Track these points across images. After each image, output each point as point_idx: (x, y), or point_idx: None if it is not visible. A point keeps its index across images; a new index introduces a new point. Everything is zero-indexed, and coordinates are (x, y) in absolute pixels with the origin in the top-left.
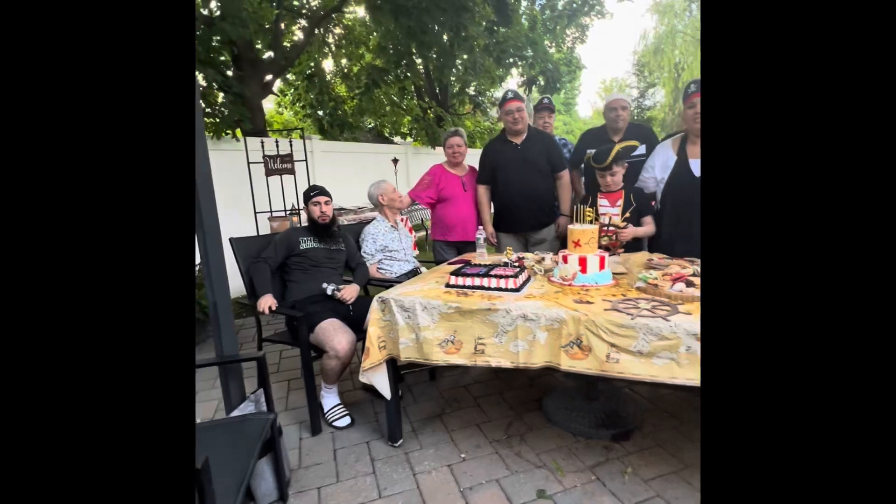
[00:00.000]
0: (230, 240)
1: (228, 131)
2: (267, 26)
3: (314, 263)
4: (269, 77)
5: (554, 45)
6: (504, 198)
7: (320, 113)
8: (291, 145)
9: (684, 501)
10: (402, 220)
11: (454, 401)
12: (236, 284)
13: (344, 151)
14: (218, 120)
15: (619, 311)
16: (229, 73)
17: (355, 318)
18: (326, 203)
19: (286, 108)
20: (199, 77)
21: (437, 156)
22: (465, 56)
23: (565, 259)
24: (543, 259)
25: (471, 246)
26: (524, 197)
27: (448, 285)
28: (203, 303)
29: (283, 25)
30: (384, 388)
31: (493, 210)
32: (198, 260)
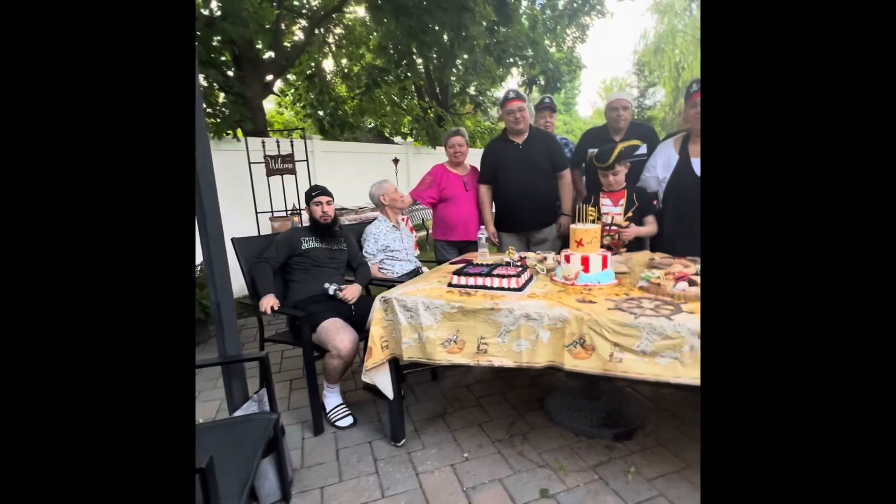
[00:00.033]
0: (232, 240)
1: (229, 131)
2: (267, 26)
3: (316, 263)
4: (269, 77)
5: (554, 44)
6: (505, 197)
7: (321, 113)
8: (292, 145)
9: (687, 500)
10: (403, 219)
11: (456, 400)
12: (238, 284)
13: (345, 151)
14: (219, 120)
15: (623, 311)
16: (230, 73)
17: (357, 318)
18: (328, 203)
19: (287, 108)
20: (201, 77)
21: (438, 156)
22: (465, 56)
23: (567, 258)
24: (545, 259)
25: (472, 246)
26: (525, 196)
27: (450, 285)
28: (205, 303)
29: (283, 25)
30: (387, 388)
31: (494, 210)
32: (199, 260)
